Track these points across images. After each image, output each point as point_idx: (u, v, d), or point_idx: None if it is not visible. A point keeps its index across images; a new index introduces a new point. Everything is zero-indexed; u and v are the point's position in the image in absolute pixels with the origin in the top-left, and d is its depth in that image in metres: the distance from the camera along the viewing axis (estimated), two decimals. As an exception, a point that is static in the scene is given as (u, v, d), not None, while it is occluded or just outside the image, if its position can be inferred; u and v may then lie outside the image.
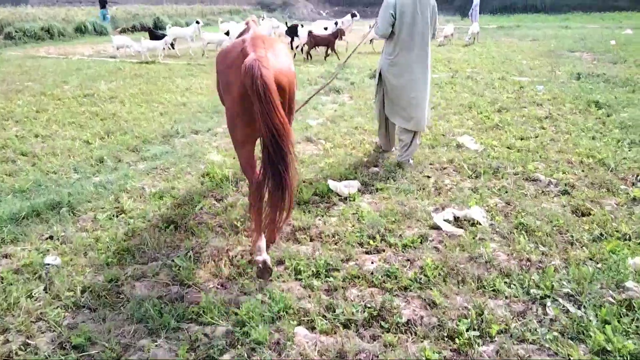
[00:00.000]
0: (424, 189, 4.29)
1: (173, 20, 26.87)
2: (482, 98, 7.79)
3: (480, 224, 3.55)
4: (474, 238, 3.37)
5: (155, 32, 17.96)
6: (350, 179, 4.54)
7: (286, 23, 15.11)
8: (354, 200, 4.08)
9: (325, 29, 15.13)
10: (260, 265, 2.83)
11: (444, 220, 3.59)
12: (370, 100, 7.92)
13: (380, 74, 4.88)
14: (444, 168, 4.81)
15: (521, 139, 5.68)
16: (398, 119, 4.86)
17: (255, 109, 2.59)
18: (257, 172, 2.94)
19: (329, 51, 13.55)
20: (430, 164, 4.91)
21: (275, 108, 2.58)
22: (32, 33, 19.25)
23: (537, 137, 5.77)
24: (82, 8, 28.12)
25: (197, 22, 15.75)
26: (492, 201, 4.00)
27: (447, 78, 9.74)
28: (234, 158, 5.25)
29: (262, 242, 2.91)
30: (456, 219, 3.64)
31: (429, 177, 4.60)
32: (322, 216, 3.83)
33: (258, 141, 2.95)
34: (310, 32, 13.51)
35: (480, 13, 22.49)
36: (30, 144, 5.79)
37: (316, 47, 13.54)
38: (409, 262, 3.12)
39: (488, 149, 5.27)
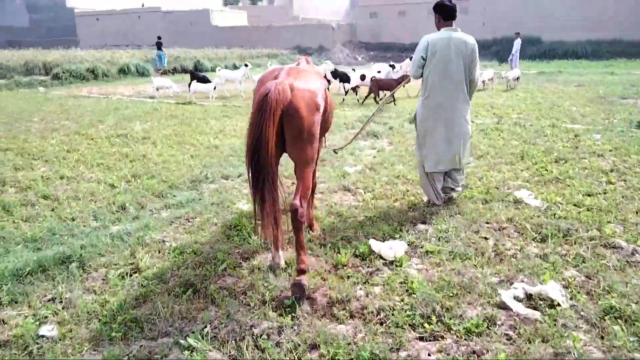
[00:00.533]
0: (482, 253, 3.68)
1: (213, 63, 27.56)
2: (535, 147, 7.16)
3: (559, 304, 2.90)
4: (554, 324, 2.72)
5: (197, 74, 18.18)
6: (395, 238, 3.98)
7: (335, 70, 14.92)
8: (400, 265, 3.50)
9: (378, 72, 14.96)
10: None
11: (514, 298, 2.95)
12: (412, 147, 7.43)
13: (415, 117, 4.82)
14: (503, 228, 4.19)
15: (588, 195, 5.00)
16: (427, 163, 4.71)
17: (250, 119, 2.97)
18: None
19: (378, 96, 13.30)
20: (487, 223, 4.29)
21: (266, 122, 2.83)
22: (78, 74, 19.96)
23: (605, 193, 5.08)
24: (127, 51, 29.33)
25: (246, 65, 15.76)
26: (569, 273, 3.34)
27: (492, 124, 9.16)
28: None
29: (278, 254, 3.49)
30: (528, 296, 3.01)
31: (486, 238, 3.98)
32: (364, 284, 3.27)
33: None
34: (373, 77, 13.26)
35: (519, 59, 22.03)
36: (54, 186, 5.52)
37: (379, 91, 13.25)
38: (476, 356, 2.49)
39: (552, 207, 4.62)
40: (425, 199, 4.93)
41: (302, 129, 3.04)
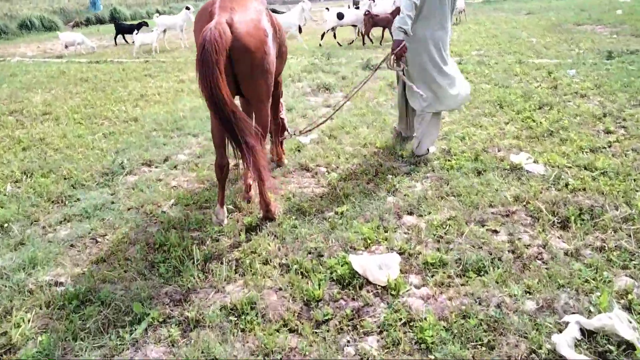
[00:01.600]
0: (499, 258, 2.75)
1: (132, 10, 24.58)
2: (510, 90, 6.26)
3: (633, 347, 2.03)
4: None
5: (122, 24, 15.81)
6: (381, 243, 2.98)
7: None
8: (397, 293, 2.52)
9: (357, 6, 13.37)
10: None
11: (570, 342, 2.05)
12: (373, 101, 6.33)
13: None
14: (512, 213, 3.27)
15: (591, 151, 4.19)
16: (417, 103, 4.21)
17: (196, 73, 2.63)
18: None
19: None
20: (491, 207, 3.37)
21: (214, 76, 2.57)
22: (-32, 33, 16.95)
23: (610, 146, 4.29)
24: (30, 1, 25.50)
25: (188, 8, 13.42)
26: (622, 282, 2.48)
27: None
28: (200, 208, 3.63)
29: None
30: (586, 333, 2.12)
31: (496, 232, 3.06)
32: (353, 335, 2.27)
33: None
34: (367, 12, 11.61)
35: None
36: None
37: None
38: None
39: (560, 174, 3.75)
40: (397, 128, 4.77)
41: (255, 64, 2.92)
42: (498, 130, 4.86)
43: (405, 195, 3.60)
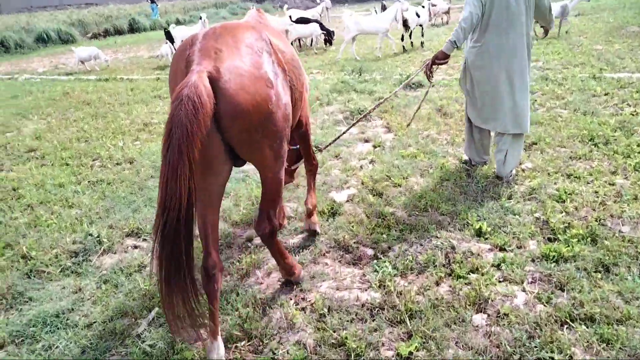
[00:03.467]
0: None
1: (152, 20, 23.88)
2: (599, 119, 4.90)
3: None
4: None
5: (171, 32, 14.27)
6: None
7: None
8: None
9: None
10: None
11: None
12: (423, 135, 5.09)
13: (464, 68, 3.88)
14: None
15: None
16: (479, 120, 3.87)
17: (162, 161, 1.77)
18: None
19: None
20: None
21: (179, 172, 1.72)
22: (-17, 47, 16.40)
23: None
24: (51, 13, 25.12)
25: (200, 18, 12.55)
26: None
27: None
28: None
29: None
30: None
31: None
32: None
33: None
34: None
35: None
36: None
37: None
38: None
39: None
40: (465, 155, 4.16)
41: (255, 129, 2.02)
42: (607, 186, 3.54)
43: (502, 316, 2.34)
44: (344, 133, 4.03)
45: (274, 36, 2.33)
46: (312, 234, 3.26)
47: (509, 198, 3.53)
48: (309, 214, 3.24)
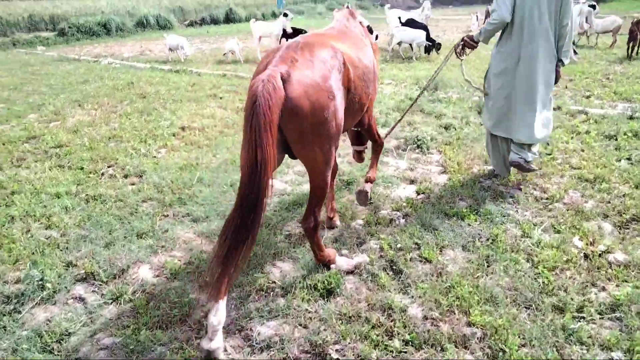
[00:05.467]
0: None
1: (248, 11, 24.10)
2: None
3: None
4: None
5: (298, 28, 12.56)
6: None
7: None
8: None
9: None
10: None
11: None
12: (484, 182, 4.04)
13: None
14: None
15: None
16: (492, 124, 3.89)
17: (243, 139, 2.17)
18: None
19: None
20: None
21: (261, 140, 2.05)
22: (87, 29, 17.38)
23: None
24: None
25: (285, 15, 11.53)
26: None
27: (621, 118, 5.42)
28: None
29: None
30: None
31: None
32: None
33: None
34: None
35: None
36: None
37: None
38: None
39: None
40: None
41: (307, 131, 2.34)
42: None
43: None
44: (397, 123, 4.23)
45: (354, 47, 2.77)
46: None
47: (579, 310, 2.44)
48: (367, 181, 3.46)
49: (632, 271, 2.75)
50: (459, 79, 8.19)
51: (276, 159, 2.16)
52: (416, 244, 3.12)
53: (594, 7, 11.18)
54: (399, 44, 11.14)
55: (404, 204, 3.71)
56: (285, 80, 2.20)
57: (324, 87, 2.31)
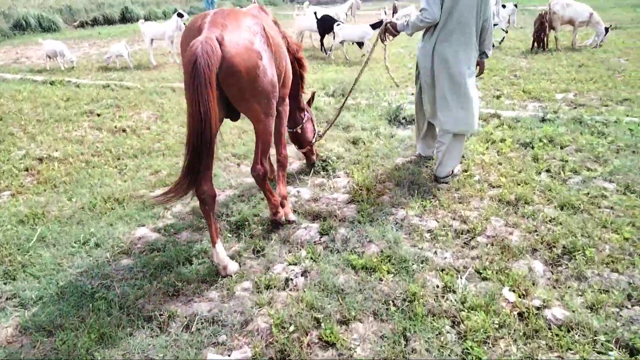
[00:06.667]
0: None
1: (147, 9, 22.30)
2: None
3: None
4: None
5: (328, 17, 11.05)
6: None
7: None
8: None
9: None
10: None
11: None
12: (397, 212, 3.42)
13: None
14: None
15: None
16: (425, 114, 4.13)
17: (185, 95, 2.43)
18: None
19: None
20: None
21: (204, 95, 2.34)
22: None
23: None
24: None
25: (180, 15, 10.25)
26: None
27: (532, 120, 5.13)
28: None
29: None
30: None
31: None
32: None
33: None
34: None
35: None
36: None
37: None
38: None
39: None
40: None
41: (245, 87, 2.64)
42: None
43: None
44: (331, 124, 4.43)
45: (268, 26, 2.91)
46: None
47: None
48: (281, 205, 3.37)
49: (576, 333, 2.24)
50: (368, 82, 7.66)
51: (217, 114, 2.44)
52: (316, 319, 2.41)
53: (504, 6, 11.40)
54: (342, 42, 10.21)
55: (304, 254, 3.00)
56: (220, 42, 2.45)
57: (253, 49, 2.59)
